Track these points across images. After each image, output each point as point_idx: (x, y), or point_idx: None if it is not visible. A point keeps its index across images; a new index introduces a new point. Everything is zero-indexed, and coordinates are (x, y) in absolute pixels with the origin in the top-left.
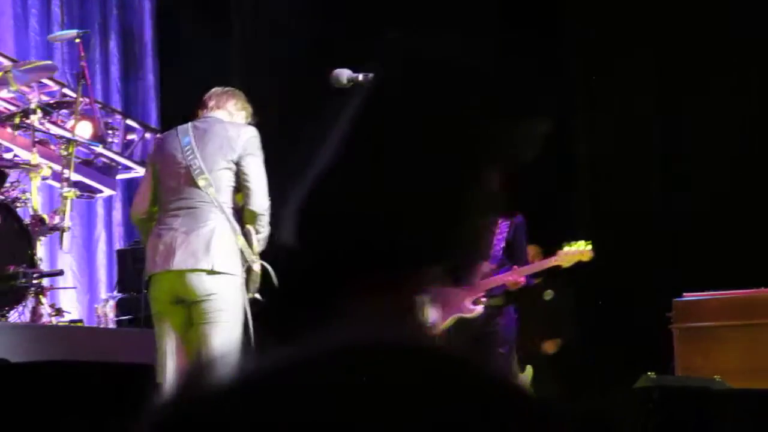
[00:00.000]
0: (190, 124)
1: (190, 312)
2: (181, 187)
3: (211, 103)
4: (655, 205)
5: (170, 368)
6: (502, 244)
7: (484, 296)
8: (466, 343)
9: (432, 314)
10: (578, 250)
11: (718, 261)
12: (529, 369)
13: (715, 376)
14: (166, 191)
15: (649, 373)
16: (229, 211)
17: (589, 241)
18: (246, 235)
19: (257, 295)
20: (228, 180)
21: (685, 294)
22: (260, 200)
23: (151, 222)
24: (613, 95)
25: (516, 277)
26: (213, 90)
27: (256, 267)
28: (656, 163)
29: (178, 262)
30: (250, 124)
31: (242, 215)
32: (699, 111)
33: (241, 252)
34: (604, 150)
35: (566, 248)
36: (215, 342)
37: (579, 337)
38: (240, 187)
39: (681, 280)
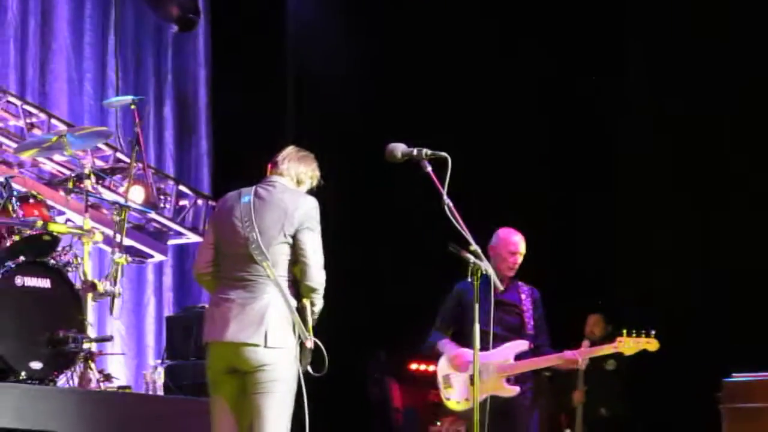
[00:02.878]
0: (253, 189)
1: (244, 382)
2: (238, 258)
3: (282, 167)
4: (697, 284)
5: None
6: (531, 321)
7: (517, 376)
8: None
9: (461, 390)
10: (644, 340)
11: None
12: None
13: None
14: (225, 258)
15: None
16: (285, 285)
17: (654, 333)
18: (301, 311)
19: (309, 369)
20: (285, 254)
21: (734, 374)
22: (316, 275)
23: (214, 281)
24: None
25: (576, 357)
26: (288, 151)
27: (309, 344)
28: (696, 242)
29: (232, 334)
30: (318, 185)
31: (299, 289)
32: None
33: (294, 327)
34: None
35: (627, 337)
36: (268, 412)
37: (630, 414)
38: (296, 261)
39: (729, 361)
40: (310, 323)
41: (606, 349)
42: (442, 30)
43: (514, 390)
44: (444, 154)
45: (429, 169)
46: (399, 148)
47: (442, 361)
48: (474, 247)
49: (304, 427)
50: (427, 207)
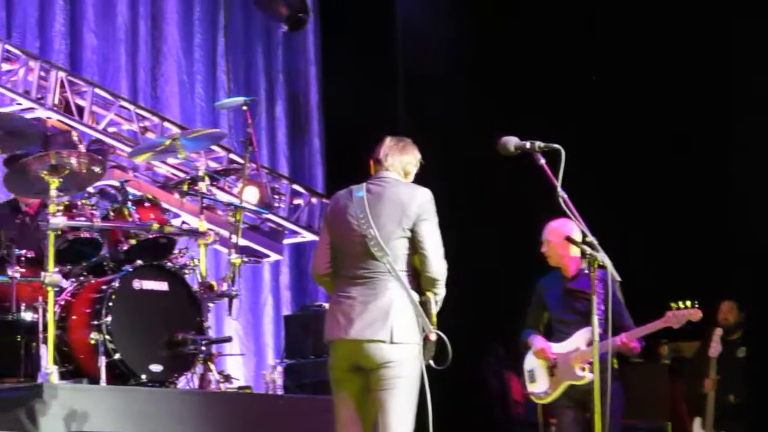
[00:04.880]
0: (364, 186)
1: (368, 379)
2: (358, 256)
3: (387, 162)
4: None
5: None
6: (602, 306)
7: (590, 362)
8: (572, 408)
9: (543, 383)
10: (688, 312)
11: None
12: None
13: None
14: (344, 257)
15: None
16: (407, 280)
17: (695, 302)
18: (424, 304)
19: (432, 363)
20: (404, 248)
21: None
22: (437, 265)
23: (333, 280)
24: None
25: (627, 341)
26: (388, 144)
27: (433, 336)
28: None
29: (357, 331)
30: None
31: (420, 280)
32: None
33: (418, 320)
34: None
35: (675, 310)
36: (393, 408)
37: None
38: (416, 253)
39: None
40: (434, 316)
41: (656, 326)
42: (547, 32)
43: (586, 377)
44: (557, 146)
45: (543, 161)
46: (512, 141)
47: (528, 356)
48: (590, 238)
49: (426, 422)
50: (539, 198)
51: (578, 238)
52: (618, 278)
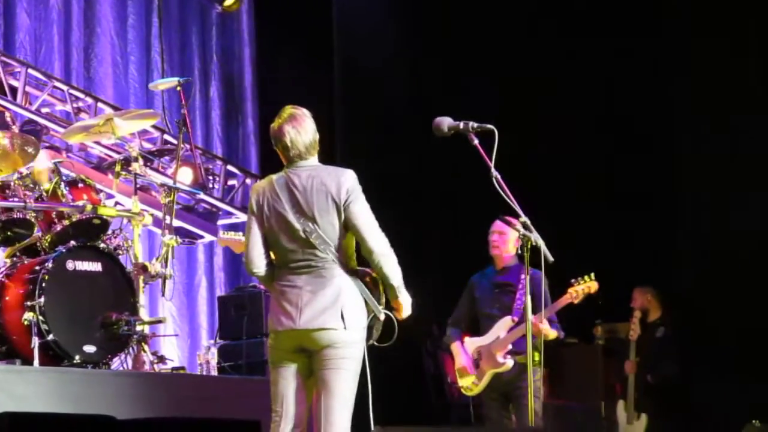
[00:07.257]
0: (285, 178)
1: (312, 359)
2: (299, 249)
3: (295, 152)
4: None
5: (289, 414)
6: (523, 299)
7: (511, 351)
8: (496, 399)
9: (471, 372)
10: (586, 286)
11: None
12: (643, 417)
13: None
14: (284, 251)
15: (753, 421)
16: (352, 264)
17: (592, 274)
18: (370, 285)
19: (375, 343)
20: (342, 233)
21: None
22: (377, 242)
23: (270, 275)
24: None
25: (535, 321)
26: (288, 131)
27: (382, 316)
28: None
29: (306, 320)
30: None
31: (367, 261)
32: None
33: (366, 303)
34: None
35: (576, 285)
36: (337, 388)
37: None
38: (353, 234)
39: None
40: (383, 296)
41: (560, 303)
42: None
43: (506, 363)
44: (491, 126)
45: (476, 142)
46: (445, 122)
47: (457, 357)
48: (523, 218)
49: (366, 404)
50: (475, 181)
51: (495, 229)
52: (551, 258)
